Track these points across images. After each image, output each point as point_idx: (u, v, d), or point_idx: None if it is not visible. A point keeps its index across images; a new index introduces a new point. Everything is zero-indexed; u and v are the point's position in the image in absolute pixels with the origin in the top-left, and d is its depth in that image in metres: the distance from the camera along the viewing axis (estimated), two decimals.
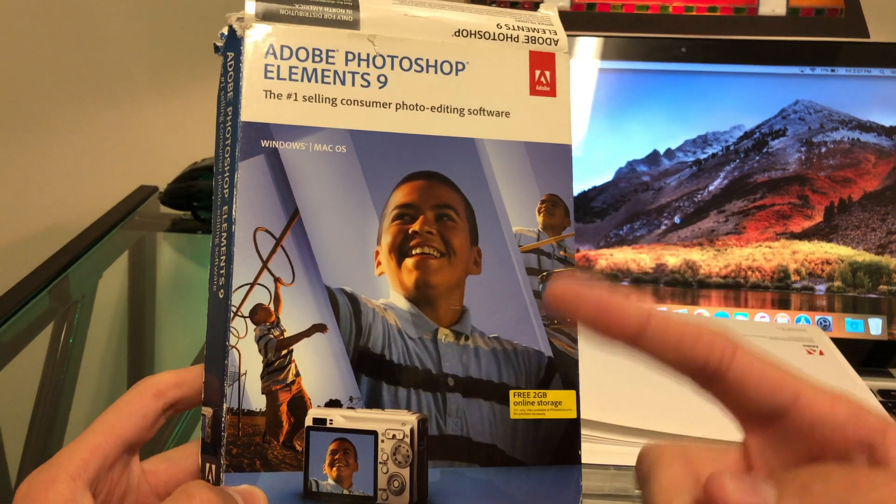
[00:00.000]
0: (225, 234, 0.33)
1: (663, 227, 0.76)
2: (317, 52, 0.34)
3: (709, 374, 0.27)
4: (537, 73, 0.37)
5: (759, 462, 0.28)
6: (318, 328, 0.34)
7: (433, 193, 0.36)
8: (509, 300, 0.36)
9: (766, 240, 0.75)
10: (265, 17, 0.34)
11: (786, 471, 0.26)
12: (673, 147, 0.77)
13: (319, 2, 0.35)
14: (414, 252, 0.35)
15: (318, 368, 0.33)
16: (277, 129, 0.34)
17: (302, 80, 0.34)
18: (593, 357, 0.51)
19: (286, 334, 0.33)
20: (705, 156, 0.77)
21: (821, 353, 0.63)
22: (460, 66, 0.36)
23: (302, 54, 0.34)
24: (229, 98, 0.34)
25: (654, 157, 0.77)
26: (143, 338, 1.00)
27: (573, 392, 0.37)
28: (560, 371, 0.37)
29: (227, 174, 0.33)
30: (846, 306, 0.73)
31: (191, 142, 1.07)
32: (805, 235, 0.74)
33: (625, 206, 0.77)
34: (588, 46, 0.77)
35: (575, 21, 0.81)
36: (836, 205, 0.75)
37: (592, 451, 0.49)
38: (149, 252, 0.99)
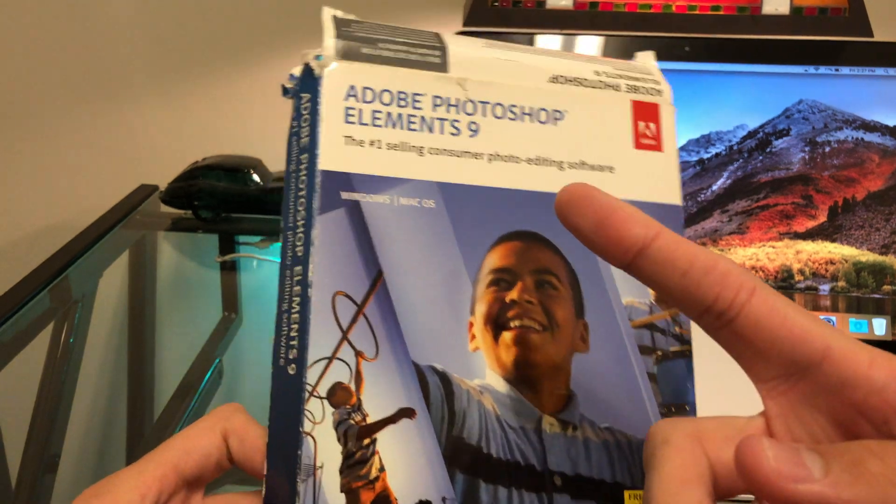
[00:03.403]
0: (298, 299, 0.29)
1: None
2: (402, 96, 0.31)
3: (718, 314, 0.23)
4: (641, 124, 0.34)
5: (783, 432, 0.24)
6: (406, 413, 0.29)
7: (532, 256, 0.31)
8: (621, 383, 0.32)
9: (769, 240, 0.74)
10: (346, 55, 0.30)
11: (816, 443, 0.23)
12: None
13: (405, 42, 0.31)
14: (512, 324, 0.31)
15: (405, 462, 0.28)
16: (359, 180, 0.29)
17: (386, 126, 0.30)
18: None
19: (368, 420, 0.28)
20: (709, 155, 0.76)
21: None
22: (558, 115, 0.33)
23: (386, 97, 0.30)
24: (304, 144, 0.30)
25: None
26: (143, 337, 1.00)
27: None
28: None
29: (302, 230, 0.29)
30: (850, 306, 0.73)
31: (191, 141, 1.07)
32: (809, 235, 0.74)
33: None
34: (591, 46, 0.76)
35: (577, 20, 0.81)
36: (839, 205, 0.74)
37: None
38: (149, 251, 0.99)
